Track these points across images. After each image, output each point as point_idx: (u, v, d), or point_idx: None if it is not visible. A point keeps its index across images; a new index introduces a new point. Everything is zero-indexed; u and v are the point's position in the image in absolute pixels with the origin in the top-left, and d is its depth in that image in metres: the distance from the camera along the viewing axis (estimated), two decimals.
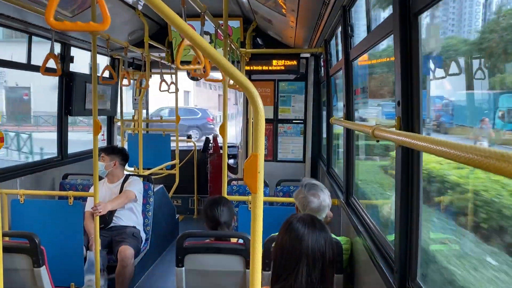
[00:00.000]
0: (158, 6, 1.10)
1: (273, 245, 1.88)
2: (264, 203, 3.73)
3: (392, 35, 1.84)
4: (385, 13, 2.38)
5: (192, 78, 8.04)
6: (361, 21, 3.02)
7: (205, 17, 2.98)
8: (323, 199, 2.49)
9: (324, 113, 5.64)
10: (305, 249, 1.63)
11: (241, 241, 2.58)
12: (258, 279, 1.16)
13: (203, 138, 8.84)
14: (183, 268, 2.49)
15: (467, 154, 0.83)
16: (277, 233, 1.89)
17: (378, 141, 1.71)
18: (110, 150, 4.20)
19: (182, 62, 1.93)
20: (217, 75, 7.70)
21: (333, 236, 2.67)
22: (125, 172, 4.29)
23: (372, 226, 2.43)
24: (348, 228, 2.96)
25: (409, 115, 1.69)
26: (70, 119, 4.91)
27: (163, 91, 5.66)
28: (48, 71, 3.49)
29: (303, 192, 2.53)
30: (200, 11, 2.87)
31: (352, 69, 3.15)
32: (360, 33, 3.08)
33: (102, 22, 1.11)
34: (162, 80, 5.49)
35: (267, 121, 6.02)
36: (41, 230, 3.11)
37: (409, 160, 1.74)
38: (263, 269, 2.40)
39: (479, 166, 0.79)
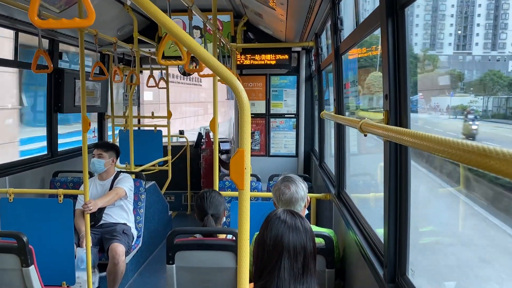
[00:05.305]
0: (143, 3, 1.08)
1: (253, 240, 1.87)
2: (257, 198, 3.71)
3: (380, 28, 1.82)
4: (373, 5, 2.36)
5: (184, 73, 8.01)
6: (351, 13, 2.99)
7: (193, 11, 2.94)
8: (295, 191, 2.45)
9: (317, 107, 5.63)
10: (286, 244, 1.63)
11: (231, 236, 2.57)
12: (246, 274, 1.15)
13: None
14: (174, 265, 2.47)
15: (450, 149, 0.82)
16: None
17: (365, 135, 1.69)
18: (109, 146, 4.10)
19: (170, 57, 1.91)
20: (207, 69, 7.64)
21: (319, 229, 2.67)
22: (116, 169, 4.24)
23: (363, 220, 2.43)
24: (339, 222, 2.96)
25: (397, 109, 1.68)
26: None
27: (150, 86, 5.60)
28: (38, 68, 3.41)
29: (278, 184, 2.52)
30: (187, 5, 2.83)
31: (342, 62, 3.13)
32: (350, 25, 3.06)
33: (87, 17, 1.09)
34: (151, 75, 5.43)
35: (259, 115, 6.00)
36: (31, 229, 3.07)
37: (397, 153, 1.73)
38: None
39: (462, 161, 0.78)
